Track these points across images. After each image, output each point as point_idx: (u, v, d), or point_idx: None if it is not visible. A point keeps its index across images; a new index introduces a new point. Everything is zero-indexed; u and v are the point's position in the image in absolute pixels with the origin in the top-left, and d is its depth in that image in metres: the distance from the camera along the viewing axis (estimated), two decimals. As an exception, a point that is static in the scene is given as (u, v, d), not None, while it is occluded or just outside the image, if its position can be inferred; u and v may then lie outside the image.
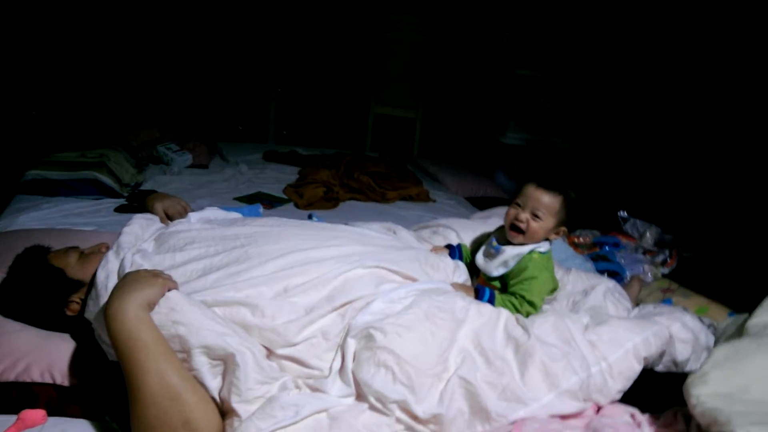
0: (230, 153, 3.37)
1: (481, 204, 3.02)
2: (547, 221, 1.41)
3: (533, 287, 1.38)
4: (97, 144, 2.74)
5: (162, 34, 3.81)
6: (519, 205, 1.42)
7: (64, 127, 3.10)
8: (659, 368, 1.32)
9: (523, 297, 1.37)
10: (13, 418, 1.07)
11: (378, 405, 1.06)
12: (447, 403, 1.08)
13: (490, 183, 3.46)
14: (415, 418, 1.06)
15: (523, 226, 1.41)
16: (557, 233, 1.45)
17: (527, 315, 1.34)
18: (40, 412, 1.00)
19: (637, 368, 1.22)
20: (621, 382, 1.19)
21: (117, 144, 2.84)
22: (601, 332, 1.24)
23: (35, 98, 3.32)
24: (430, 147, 4.27)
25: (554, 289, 1.50)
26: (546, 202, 1.40)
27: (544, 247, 1.44)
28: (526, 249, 1.42)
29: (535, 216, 1.40)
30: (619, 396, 1.20)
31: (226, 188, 2.77)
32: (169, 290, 1.08)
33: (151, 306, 1.04)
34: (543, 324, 1.24)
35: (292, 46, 4.11)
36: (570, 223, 1.46)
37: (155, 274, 1.10)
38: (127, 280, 1.07)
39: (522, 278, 1.40)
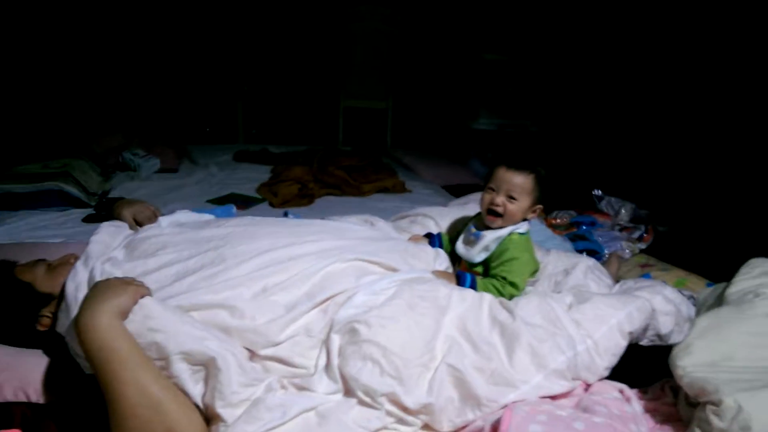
0: (199, 155, 3.31)
1: (457, 192, 3.01)
2: (523, 201, 1.41)
3: (514, 268, 1.38)
4: (60, 154, 2.66)
5: (121, 38, 3.71)
6: (493, 189, 1.43)
7: (23, 139, 3.00)
8: (644, 342, 1.33)
9: (505, 278, 1.37)
10: (-14, 441, 1.02)
11: (367, 399, 1.04)
12: (436, 392, 1.07)
13: (465, 170, 3.46)
14: (405, 409, 1.05)
15: (500, 209, 1.41)
16: (534, 212, 1.45)
17: (510, 297, 1.33)
18: (13, 433, 0.96)
19: (623, 344, 1.22)
20: (608, 359, 1.19)
21: (80, 153, 2.77)
22: (585, 310, 1.23)
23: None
24: (402, 137, 4.25)
25: (535, 271, 1.50)
26: (519, 182, 1.40)
27: (523, 227, 1.44)
28: (505, 231, 1.42)
29: (510, 198, 1.41)
30: (606, 373, 1.20)
31: (198, 191, 2.72)
32: (141, 297, 1.04)
33: (123, 314, 1.00)
34: (527, 305, 1.23)
35: (257, 43, 4.05)
36: (545, 200, 1.46)
37: (126, 282, 1.06)
38: (97, 290, 1.03)
39: (503, 260, 1.39)
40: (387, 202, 2.72)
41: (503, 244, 1.41)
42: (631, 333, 1.24)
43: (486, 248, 1.43)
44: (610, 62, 3.31)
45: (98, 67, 3.69)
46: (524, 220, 1.46)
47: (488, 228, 1.45)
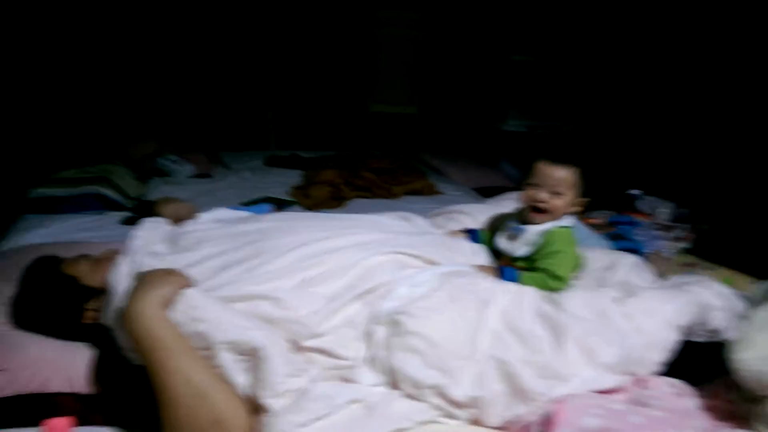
0: (231, 161, 3.34)
1: (488, 194, 2.96)
2: (568, 195, 1.39)
3: (560, 261, 1.35)
4: (98, 160, 2.71)
5: (154, 47, 3.78)
6: (535, 185, 1.40)
7: (63, 146, 3.07)
8: (695, 338, 1.28)
9: (549, 271, 1.34)
10: (36, 430, 1.03)
11: (412, 391, 1.03)
12: (483, 385, 1.04)
13: (496, 173, 3.42)
14: (451, 402, 1.02)
15: (544, 205, 1.39)
16: (578, 205, 1.42)
17: (556, 290, 1.30)
18: (64, 420, 0.96)
19: (673, 338, 1.18)
20: (658, 353, 1.15)
21: (117, 159, 2.81)
22: (634, 303, 1.20)
23: (33, 117, 3.29)
24: (431, 142, 4.22)
25: (579, 267, 1.47)
26: (563, 177, 1.38)
27: (567, 221, 1.42)
28: (549, 225, 1.40)
29: (555, 193, 1.38)
30: (657, 368, 1.16)
31: (232, 195, 2.73)
32: (185, 287, 1.04)
33: (168, 304, 1.00)
34: (573, 299, 1.20)
35: (285, 51, 4.08)
36: (586, 193, 1.43)
37: (169, 272, 1.07)
38: (141, 280, 1.04)
39: (548, 252, 1.37)
40: (418, 204, 2.70)
41: (547, 238, 1.39)
42: (681, 327, 1.20)
43: (529, 243, 1.41)
44: (643, 58, 3.25)
45: (134, 77, 3.76)
46: (568, 214, 1.43)
47: (530, 223, 1.43)
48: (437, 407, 1.03)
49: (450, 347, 1.07)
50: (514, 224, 1.47)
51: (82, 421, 1.08)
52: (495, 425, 1.04)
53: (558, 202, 1.38)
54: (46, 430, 1.01)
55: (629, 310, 1.18)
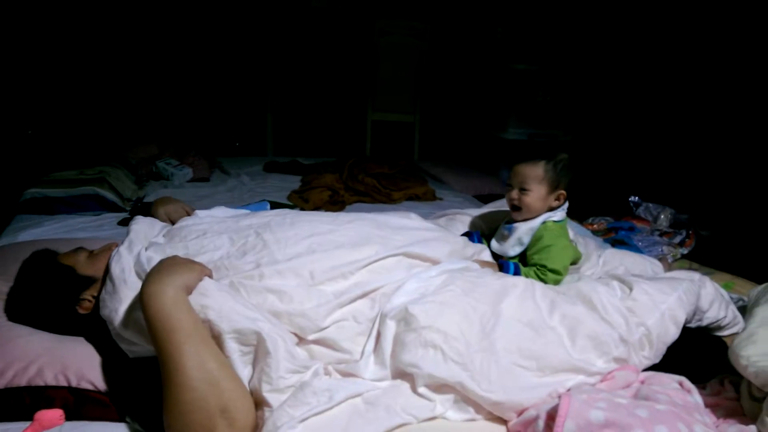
0: (230, 166, 3.32)
1: (488, 201, 2.96)
2: (537, 190, 1.41)
3: (552, 255, 1.37)
4: (96, 162, 2.69)
5: (155, 52, 3.79)
6: (511, 186, 1.45)
7: (61, 147, 3.05)
8: (691, 324, 1.29)
9: (544, 266, 1.36)
10: (28, 424, 1.00)
11: (422, 391, 1.00)
12: (503, 379, 1.02)
13: (496, 181, 3.41)
14: (473, 396, 1.00)
15: (516, 202, 1.43)
16: (557, 198, 1.44)
17: (554, 283, 1.32)
18: (57, 412, 0.93)
19: (674, 331, 1.18)
20: (658, 347, 1.16)
21: (116, 161, 2.79)
22: (635, 296, 1.20)
23: (31, 118, 3.27)
24: (430, 150, 4.23)
25: (577, 259, 1.47)
26: (528, 172, 1.41)
27: (557, 216, 1.44)
28: (538, 221, 1.42)
29: (523, 190, 1.41)
30: (655, 361, 1.16)
31: (230, 199, 2.72)
32: (206, 277, 1.04)
33: (188, 291, 1.00)
34: (578, 294, 1.21)
35: (285, 58, 4.09)
36: (566, 186, 1.44)
37: (192, 261, 1.06)
38: (164, 264, 1.03)
39: (539, 248, 1.39)
40: (419, 210, 2.66)
41: (538, 233, 1.41)
42: (681, 321, 1.20)
43: (520, 241, 1.43)
44: (642, 67, 3.27)
45: (135, 81, 3.76)
46: (551, 208, 1.44)
47: (516, 222, 1.46)
48: (446, 401, 1.00)
49: (466, 340, 1.05)
50: (505, 224, 1.49)
51: (75, 415, 1.05)
52: (509, 417, 1.02)
53: (527, 198, 1.41)
54: (37, 424, 0.99)
55: (632, 304, 1.19)
